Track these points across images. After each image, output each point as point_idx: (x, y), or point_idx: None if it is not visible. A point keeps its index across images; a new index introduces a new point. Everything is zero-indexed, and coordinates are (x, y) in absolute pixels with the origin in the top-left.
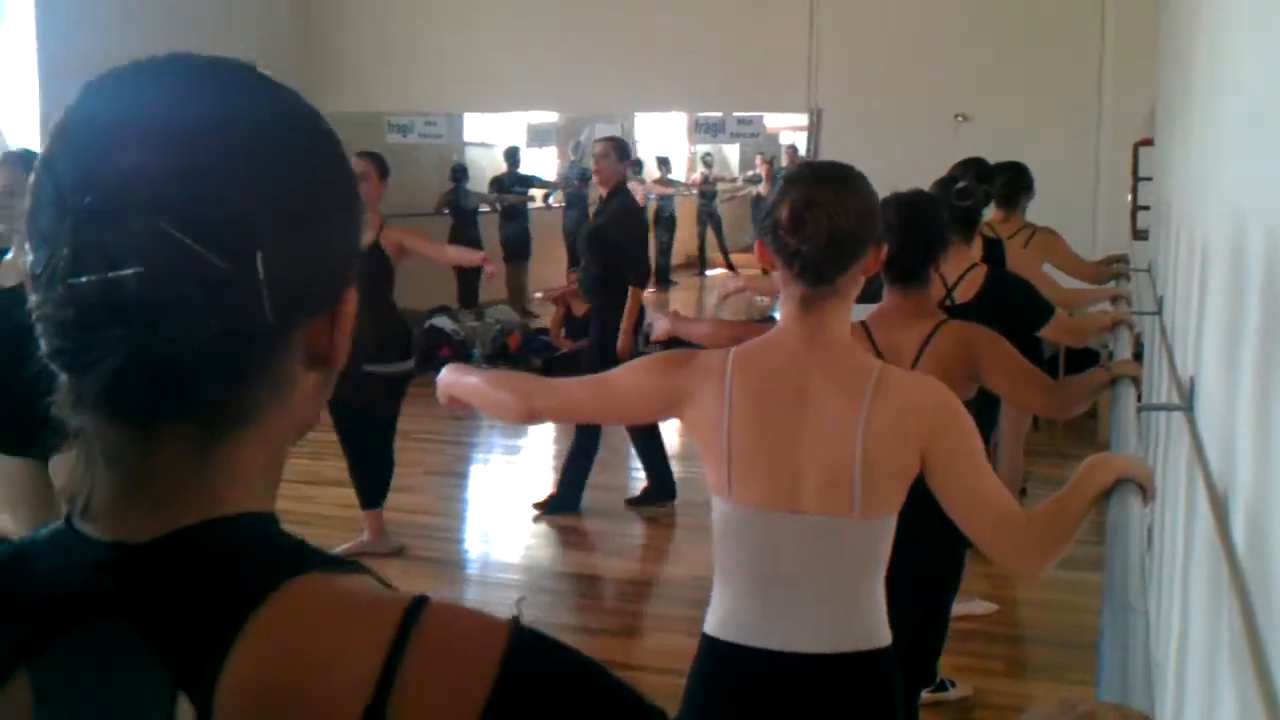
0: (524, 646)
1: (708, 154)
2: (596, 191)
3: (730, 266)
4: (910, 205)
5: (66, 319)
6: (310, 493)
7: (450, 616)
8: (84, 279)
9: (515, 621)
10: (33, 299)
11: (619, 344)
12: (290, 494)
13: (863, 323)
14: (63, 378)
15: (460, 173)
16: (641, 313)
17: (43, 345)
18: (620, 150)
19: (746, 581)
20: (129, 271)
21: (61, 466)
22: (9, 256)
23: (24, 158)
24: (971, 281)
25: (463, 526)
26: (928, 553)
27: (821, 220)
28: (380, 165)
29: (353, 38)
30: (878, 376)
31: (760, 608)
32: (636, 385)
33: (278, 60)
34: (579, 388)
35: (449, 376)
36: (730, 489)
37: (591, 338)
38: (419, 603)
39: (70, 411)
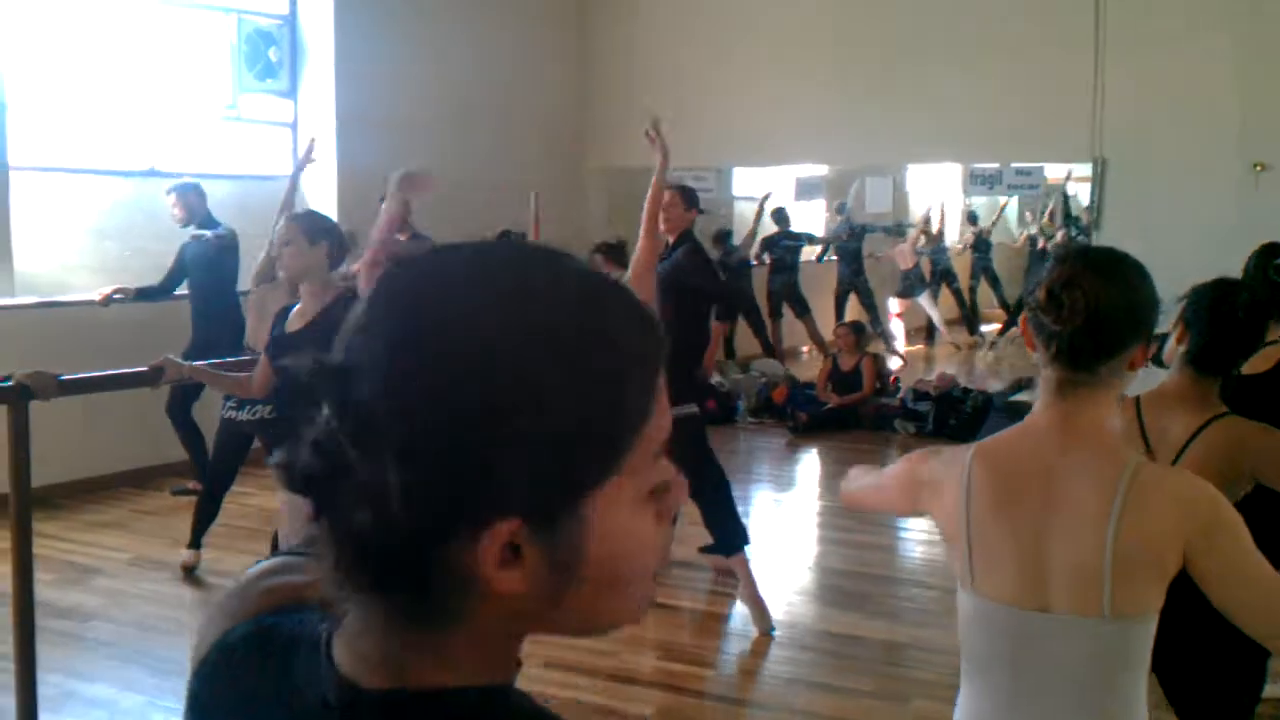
0: None
1: (974, 212)
2: (869, 246)
3: (1010, 321)
4: (1225, 296)
5: (297, 478)
6: None
7: None
8: (313, 461)
9: None
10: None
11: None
12: None
13: (1136, 399)
14: None
15: (725, 237)
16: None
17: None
18: (688, 199)
19: (991, 681)
20: (313, 461)
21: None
22: (298, 307)
23: (309, 218)
24: (1267, 355)
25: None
26: (1227, 645)
27: (1079, 301)
28: (686, 196)
29: (627, 96)
30: (1133, 469)
31: (1005, 711)
32: (895, 475)
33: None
34: (874, 477)
35: (847, 486)
36: (972, 580)
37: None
38: None
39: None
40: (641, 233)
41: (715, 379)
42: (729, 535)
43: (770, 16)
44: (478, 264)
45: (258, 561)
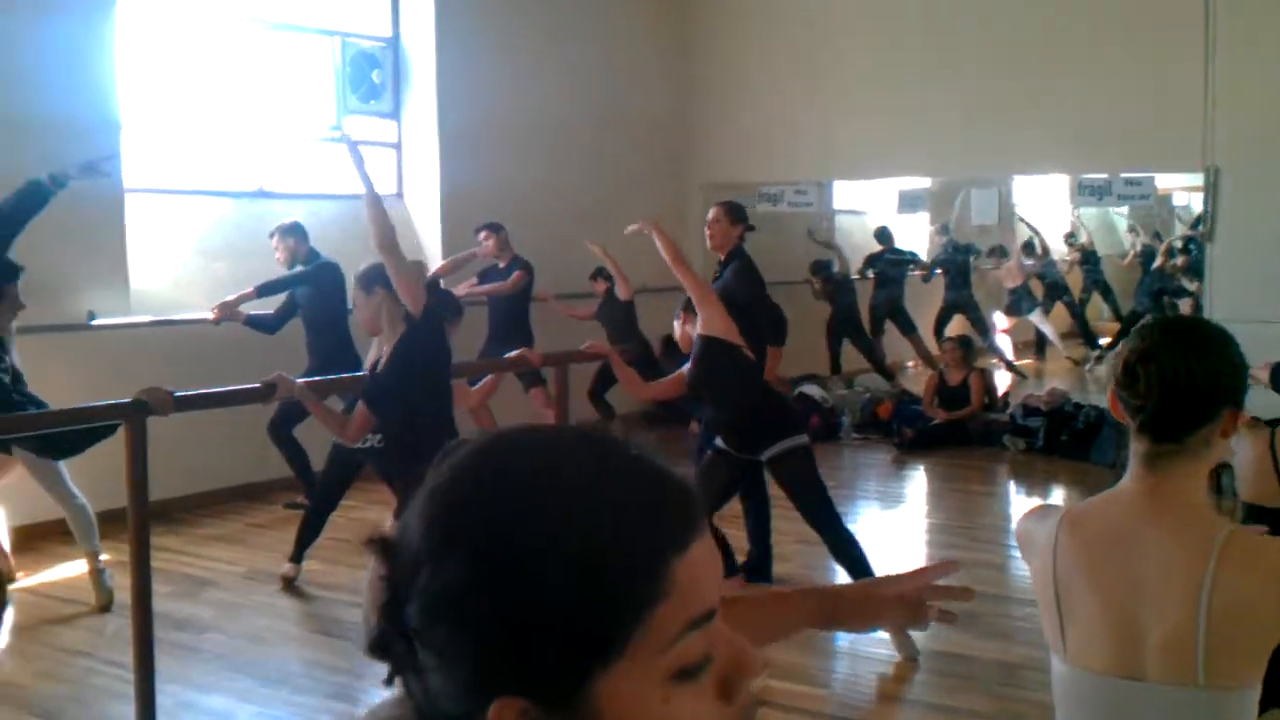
0: None
1: (1072, 234)
2: (976, 263)
3: (1122, 333)
4: None
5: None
6: None
7: None
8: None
9: None
10: None
11: None
12: None
13: (1271, 430)
14: None
15: (824, 267)
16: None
17: None
18: (734, 214)
19: None
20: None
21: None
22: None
23: (360, 273)
24: None
25: None
26: None
27: (1155, 376)
28: (732, 212)
29: (727, 111)
30: (1226, 537)
31: None
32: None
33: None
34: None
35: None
36: (1064, 647)
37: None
38: None
39: None
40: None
41: (819, 395)
42: (861, 562)
43: (872, 26)
44: (504, 451)
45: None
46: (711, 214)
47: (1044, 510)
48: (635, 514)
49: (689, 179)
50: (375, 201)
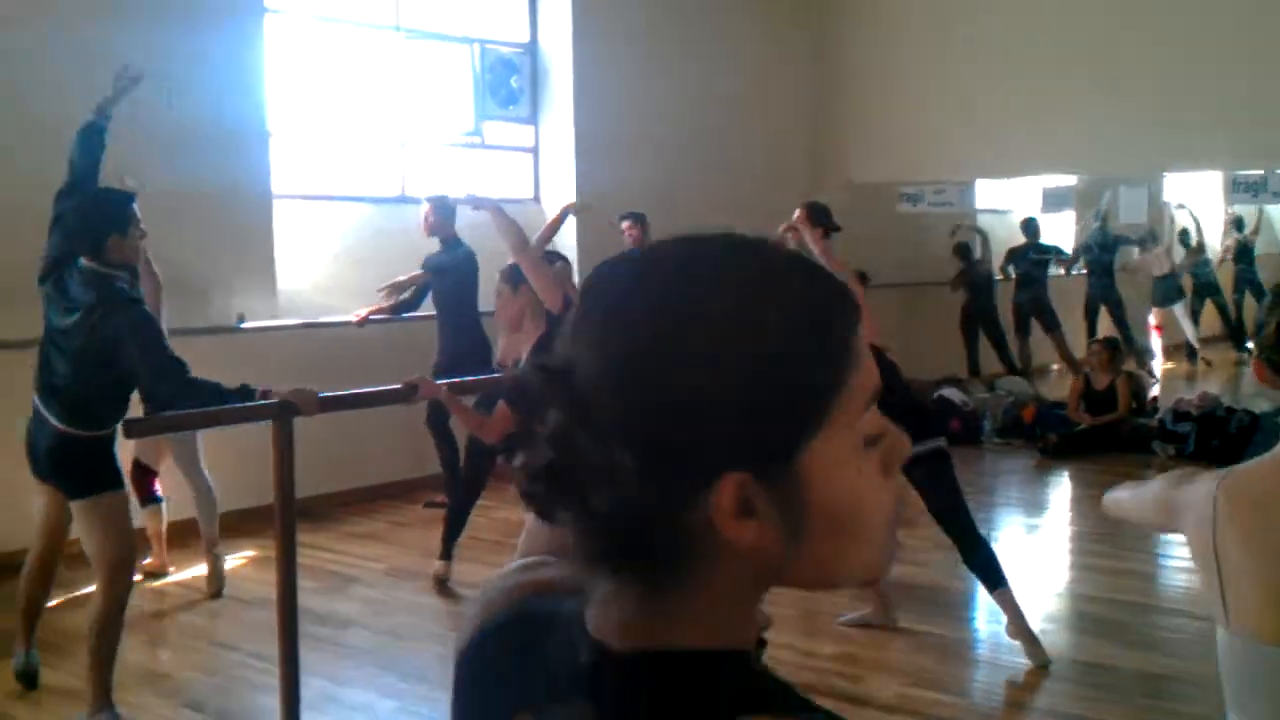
0: None
1: (1239, 218)
2: (1120, 258)
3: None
4: None
5: (537, 476)
6: None
7: None
8: (550, 455)
9: None
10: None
11: None
12: None
13: None
14: None
15: (965, 250)
16: None
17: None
18: (816, 215)
19: (1253, 719)
20: (539, 465)
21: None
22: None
23: (508, 270)
24: None
25: (973, 604)
26: None
27: None
28: (814, 212)
29: (870, 108)
30: None
31: None
32: (1153, 492)
33: (798, 137)
34: (1139, 488)
35: (1109, 500)
36: (1226, 615)
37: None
38: None
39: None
40: None
41: (960, 398)
42: (994, 569)
43: (1014, 21)
44: (670, 252)
45: (508, 564)
46: (796, 215)
47: (1183, 474)
48: (825, 290)
49: (826, 179)
50: (498, 214)
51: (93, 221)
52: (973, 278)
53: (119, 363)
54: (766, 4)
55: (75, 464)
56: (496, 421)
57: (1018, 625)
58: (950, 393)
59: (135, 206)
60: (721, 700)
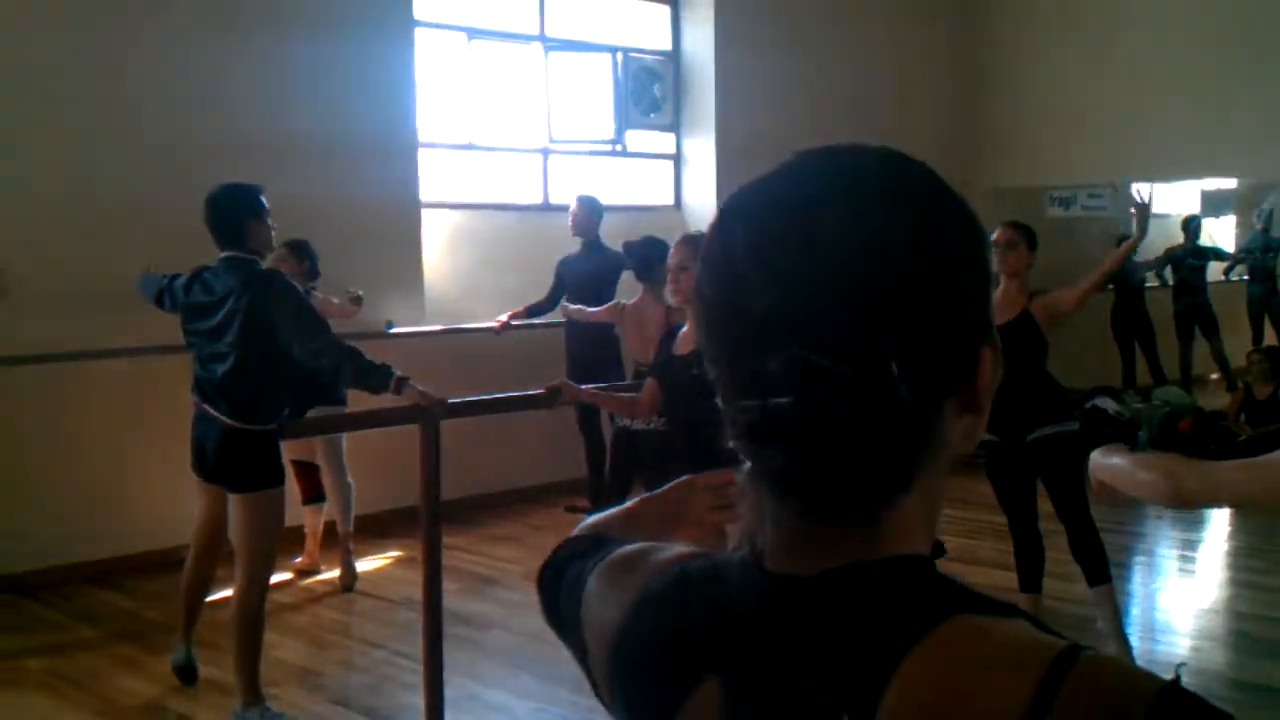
0: (1173, 706)
1: None
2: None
3: None
4: None
5: (741, 427)
6: (964, 570)
7: (1101, 668)
8: (747, 403)
9: (1171, 682)
10: (719, 399)
11: None
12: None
13: None
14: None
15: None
16: None
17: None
18: (1031, 239)
19: None
20: (782, 400)
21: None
22: (685, 329)
23: (696, 240)
24: None
25: (1126, 621)
26: None
27: None
28: (1029, 236)
29: (1017, 109)
30: None
31: None
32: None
33: (942, 135)
34: (1227, 472)
35: (1096, 458)
36: None
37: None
38: (1071, 651)
39: (749, 478)
40: (1086, 284)
41: (1114, 408)
42: (1102, 564)
43: (1171, 19)
44: (824, 165)
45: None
46: (1009, 236)
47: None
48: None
49: (975, 184)
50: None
51: (230, 210)
52: (1129, 283)
53: (275, 335)
54: (914, 9)
55: (243, 460)
56: (645, 398)
57: (1114, 626)
58: (1104, 403)
59: (264, 198)
60: (933, 601)
